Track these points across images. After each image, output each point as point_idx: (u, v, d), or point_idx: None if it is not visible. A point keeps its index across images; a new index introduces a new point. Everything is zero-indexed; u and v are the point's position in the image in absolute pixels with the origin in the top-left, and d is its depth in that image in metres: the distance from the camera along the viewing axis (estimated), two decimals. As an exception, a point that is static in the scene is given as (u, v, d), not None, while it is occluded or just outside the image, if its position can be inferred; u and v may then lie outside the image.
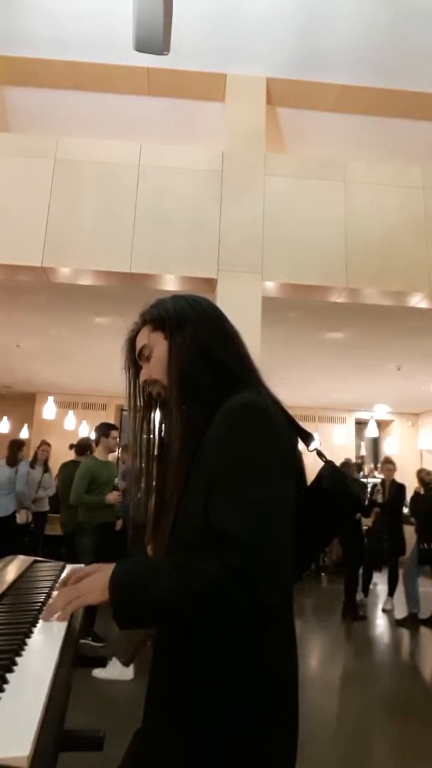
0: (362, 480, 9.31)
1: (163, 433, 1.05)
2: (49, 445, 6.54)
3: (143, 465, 1.04)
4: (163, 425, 1.05)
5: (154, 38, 2.34)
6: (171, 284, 4.04)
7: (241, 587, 0.76)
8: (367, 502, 6.25)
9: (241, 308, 3.78)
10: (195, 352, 0.97)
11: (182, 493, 0.92)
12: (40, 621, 0.94)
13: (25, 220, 3.82)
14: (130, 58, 3.51)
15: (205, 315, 1.02)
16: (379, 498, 5.99)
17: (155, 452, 1.04)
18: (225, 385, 0.94)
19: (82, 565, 1.27)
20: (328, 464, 1.03)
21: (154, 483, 1.02)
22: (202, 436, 0.91)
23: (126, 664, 3.41)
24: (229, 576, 0.76)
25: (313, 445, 1.03)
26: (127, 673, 3.40)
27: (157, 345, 1.01)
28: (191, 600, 0.78)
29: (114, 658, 3.42)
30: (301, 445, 1.02)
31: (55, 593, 1.07)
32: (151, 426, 1.06)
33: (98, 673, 3.34)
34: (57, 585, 1.08)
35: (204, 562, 0.79)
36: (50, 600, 1.05)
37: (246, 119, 4.10)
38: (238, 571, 0.76)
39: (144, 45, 2.37)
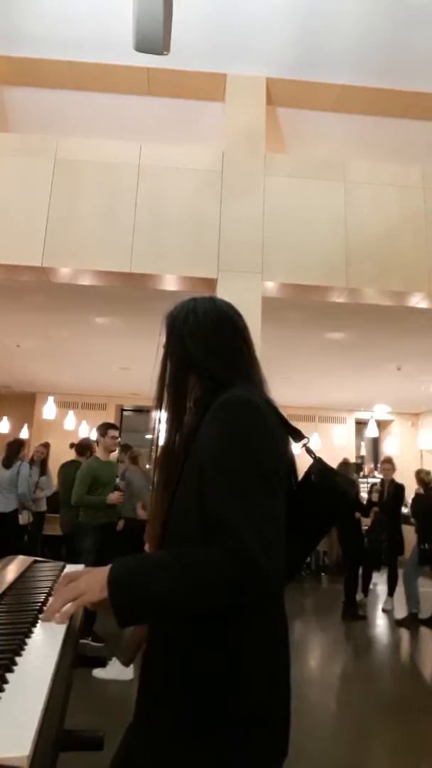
0: (360, 479, 9.33)
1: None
2: (45, 446, 6.54)
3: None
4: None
5: (154, 38, 2.34)
6: (171, 284, 4.04)
7: (245, 570, 0.77)
8: (365, 502, 6.26)
9: (241, 308, 3.72)
10: (178, 362, 1.03)
11: (173, 491, 0.95)
12: (40, 621, 0.94)
13: (25, 220, 3.82)
14: (130, 58, 3.51)
15: (198, 325, 1.06)
16: (375, 497, 5.99)
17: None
18: (213, 389, 0.97)
19: (82, 566, 1.27)
20: (317, 461, 1.05)
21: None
22: (189, 437, 0.96)
23: (126, 664, 3.41)
24: (232, 560, 0.77)
25: (302, 442, 1.06)
26: (126, 673, 3.40)
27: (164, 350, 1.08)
28: (197, 589, 0.79)
29: (114, 658, 3.42)
30: (295, 445, 1.04)
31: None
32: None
33: (98, 673, 3.34)
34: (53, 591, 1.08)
35: (205, 550, 0.81)
36: (50, 600, 1.05)
37: (246, 119, 4.10)
38: (240, 555, 0.77)
39: (144, 45, 2.37)
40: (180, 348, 1.04)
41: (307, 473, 1.04)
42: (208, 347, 1.03)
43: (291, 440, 1.04)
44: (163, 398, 1.04)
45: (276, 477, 0.87)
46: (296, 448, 1.06)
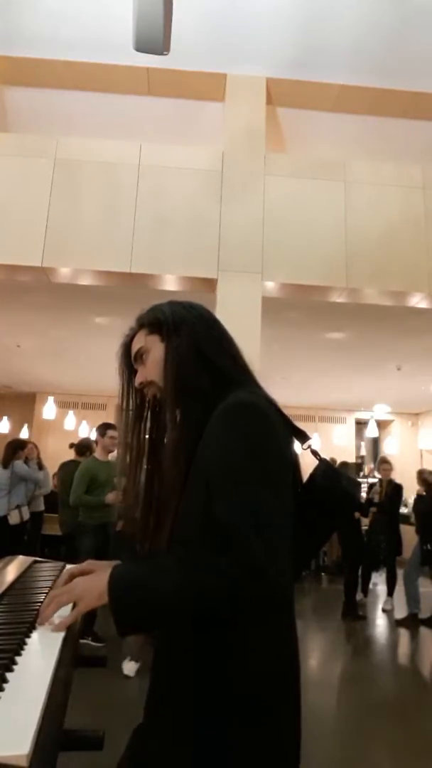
0: (361, 480, 9.34)
1: (155, 435, 1.06)
2: (32, 443, 6.54)
3: (133, 466, 1.05)
4: (158, 426, 1.06)
5: (154, 38, 2.34)
6: (171, 284, 4.04)
7: (253, 581, 0.76)
8: (364, 502, 6.26)
9: (241, 308, 3.78)
10: (191, 355, 0.99)
11: (181, 492, 0.92)
12: (36, 625, 0.94)
13: (25, 220, 3.82)
14: (130, 58, 3.51)
15: (202, 319, 1.05)
16: (376, 498, 5.99)
17: (146, 453, 1.05)
18: (220, 386, 0.96)
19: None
20: (322, 462, 1.04)
21: (143, 482, 1.03)
22: (199, 435, 0.92)
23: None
24: (240, 571, 0.76)
25: (307, 444, 1.04)
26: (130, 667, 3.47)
27: (154, 348, 1.03)
28: (200, 597, 0.78)
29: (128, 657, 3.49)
30: (296, 445, 1.03)
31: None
32: (143, 427, 1.08)
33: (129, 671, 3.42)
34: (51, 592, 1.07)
35: (210, 558, 0.79)
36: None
37: (246, 119, 4.10)
38: (249, 565, 0.76)
39: (144, 45, 2.37)
40: (189, 342, 1.00)
41: (312, 475, 1.02)
42: (217, 342, 1.03)
43: (295, 441, 1.03)
44: (167, 395, 1.00)
45: (284, 484, 0.86)
46: (299, 448, 1.05)
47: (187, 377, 0.98)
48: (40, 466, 6.27)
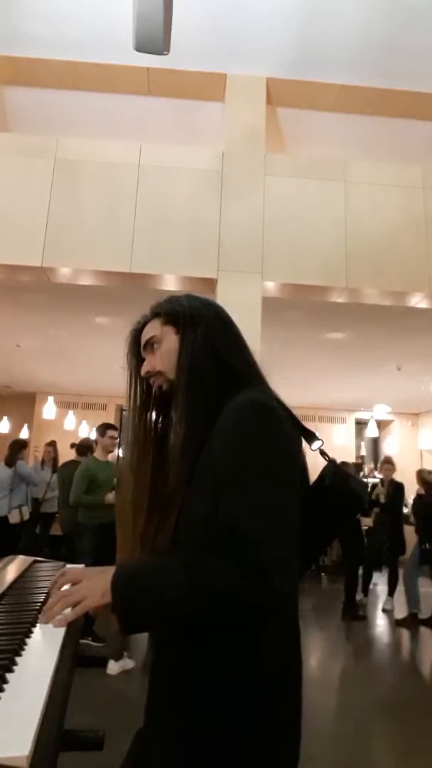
0: (362, 480, 9.33)
1: (159, 428, 1.04)
2: (51, 445, 6.54)
3: (137, 460, 1.02)
4: (163, 419, 1.04)
5: (154, 38, 2.34)
6: (171, 284, 4.04)
7: (259, 585, 0.75)
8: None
9: (241, 308, 3.74)
10: (205, 350, 0.98)
11: (186, 490, 0.91)
12: (38, 623, 0.94)
13: (25, 220, 3.82)
14: (130, 58, 3.52)
15: (218, 317, 1.04)
16: (381, 498, 5.99)
17: (152, 447, 1.02)
18: (230, 384, 0.94)
19: (82, 566, 1.26)
20: (331, 463, 1.03)
21: (147, 479, 1.00)
22: (207, 432, 0.91)
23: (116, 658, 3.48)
24: (246, 574, 0.75)
25: (316, 445, 1.03)
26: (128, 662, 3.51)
27: (167, 338, 1.01)
28: (205, 598, 0.77)
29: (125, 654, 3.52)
30: (304, 445, 1.02)
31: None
32: (149, 418, 1.05)
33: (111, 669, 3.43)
34: (49, 588, 1.05)
35: (216, 560, 0.78)
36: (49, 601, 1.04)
37: (246, 119, 4.10)
38: (255, 569, 0.75)
39: (144, 45, 2.37)
40: (204, 338, 0.98)
41: (321, 476, 1.01)
42: (231, 341, 1.02)
43: (304, 442, 1.01)
44: (178, 389, 0.97)
45: (293, 486, 0.85)
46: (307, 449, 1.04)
47: (199, 372, 0.96)
48: (55, 469, 6.25)
